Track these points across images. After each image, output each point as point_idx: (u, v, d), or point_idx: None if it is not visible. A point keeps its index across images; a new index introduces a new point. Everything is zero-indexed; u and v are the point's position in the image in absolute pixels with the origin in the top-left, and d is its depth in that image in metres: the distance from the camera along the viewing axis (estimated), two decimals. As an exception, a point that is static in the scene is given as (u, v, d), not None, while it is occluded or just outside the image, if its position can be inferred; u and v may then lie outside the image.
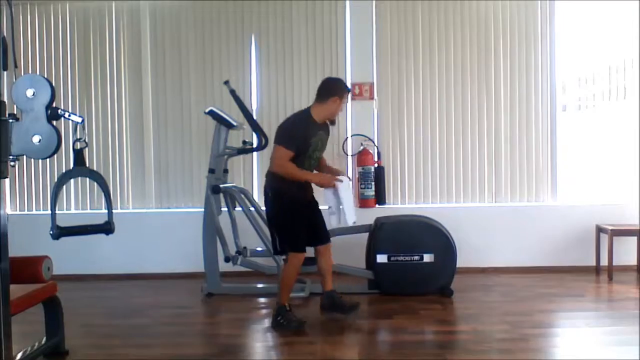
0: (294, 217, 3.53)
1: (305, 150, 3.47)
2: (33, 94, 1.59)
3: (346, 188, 3.59)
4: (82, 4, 5.34)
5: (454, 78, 5.29)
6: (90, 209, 5.34)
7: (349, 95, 3.67)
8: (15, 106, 1.64)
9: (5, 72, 1.57)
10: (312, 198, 3.69)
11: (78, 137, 2.21)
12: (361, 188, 5.13)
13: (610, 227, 4.81)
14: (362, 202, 5.15)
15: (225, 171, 4.57)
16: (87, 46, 5.36)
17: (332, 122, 3.68)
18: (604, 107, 5.45)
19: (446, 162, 5.30)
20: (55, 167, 5.32)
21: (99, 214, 4.79)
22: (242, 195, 4.46)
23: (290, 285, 3.59)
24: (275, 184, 3.52)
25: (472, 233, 5.01)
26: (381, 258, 4.29)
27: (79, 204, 5.35)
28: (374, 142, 5.24)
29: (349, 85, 5.20)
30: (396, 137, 5.31)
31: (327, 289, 3.74)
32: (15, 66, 1.74)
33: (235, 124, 4.42)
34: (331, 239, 4.11)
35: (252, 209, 4.44)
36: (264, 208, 3.81)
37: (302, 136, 3.45)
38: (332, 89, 3.54)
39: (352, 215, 3.60)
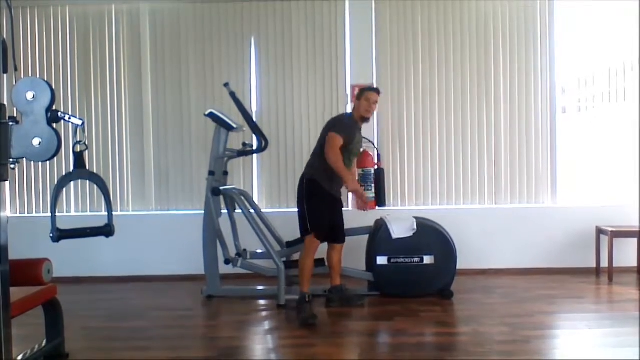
0: (324, 206, 3.93)
1: (348, 143, 3.86)
2: (33, 97, 1.59)
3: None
4: (82, 7, 5.34)
5: (453, 79, 5.29)
6: (90, 211, 5.34)
7: (374, 94, 4.01)
8: (15, 109, 1.64)
9: (5, 75, 1.57)
10: (340, 198, 4.08)
11: (78, 139, 2.21)
12: (361, 190, 5.13)
13: (611, 229, 4.81)
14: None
15: (225, 173, 4.57)
16: (87, 49, 5.37)
17: (366, 120, 4.06)
18: (603, 109, 5.45)
19: (446, 164, 5.30)
20: (55, 169, 5.32)
21: (99, 216, 4.80)
22: (242, 198, 4.46)
23: (307, 272, 3.88)
24: (314, 174, 3.91)
25: (473, 235, 5.02)
26: (381, 260, 4.29)
27: (79, 206, 5.35)
28: (373, 144, 5.24)
29: (348, 87, 5.26)
30: (396, 139, 5.31)
31: (335, 284, 4.14)
32: (16, 69, 1.75)
33: (235, 126, 4.42)
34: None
35: (252, 211, 4.44)
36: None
37: (349, 129, 3.90)
38: (359, 92, 4.08)
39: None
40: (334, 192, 3.97)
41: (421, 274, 4.26)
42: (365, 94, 3.99)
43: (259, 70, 5.32)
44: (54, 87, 1.64)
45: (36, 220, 5.21)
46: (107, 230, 2.26)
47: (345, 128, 3.86)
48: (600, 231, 5.01)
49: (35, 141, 1.55)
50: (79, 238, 2.29)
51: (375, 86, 4.23)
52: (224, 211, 4.50)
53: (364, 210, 4.14)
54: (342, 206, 4.15)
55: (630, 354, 3.01)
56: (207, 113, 4.43)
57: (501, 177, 5.30)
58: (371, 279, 4.36)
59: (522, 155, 5.29)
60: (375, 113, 5.22)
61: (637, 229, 4.82)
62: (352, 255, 4.53)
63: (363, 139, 5.19)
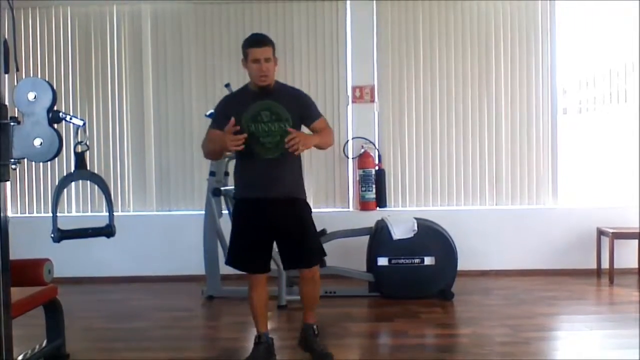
0: (236, 227, 2.93)
1: (238, 124, 2.72)
2: (34, 98, 1.59)
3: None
4: (84, 8, 5.35)
5: (454, 80, 5.29)
6: (91, 211, 5.34)
7: (257, 50, 2.79)
8: (16, 109, 1.64)
9: (6, 75, 1.57)
10: (278, 208, 2.84)
11: (79, 140, 2.21)
12: (362, 191, 5.13)
13: (612, 230, 4.80)
14: (363, 205, 5.16)
15: (226, 174, 4.57)
16: (88, 49, 5.37)
17: (265, 87, 2.83)
18: (604, 110, 5.45)
19: (447, 165, 5.29)
20: (57, 170, 5.33)
21: (100, 216, 4.80)
22: (243, 198, 4.45)
23: (253, 309, 2.97)
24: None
25: (473, 236, 5.00)
26: (382, 261, 4.29)
27: (80, 206, 5.35)
28: (374, 145, 5.24)
29: (349, 88, 5.25)
30: (397, 140, 5.31)
31: (304, 322, 3.09)
32: (17, 69, 1.75)
33: (236, 126, 4.42)
34: (332, 241, 4.08)
35: (252, 211, 4.43)
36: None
37: (223, 111, 2.85)
38: (242, 50, 2.88)
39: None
40: (248, 193, 2.89)
41: (422, 275, 4.25)
42: (248, 53, 2.80)
43: (260, 71, 5.32)
44: (55, 87, 1.64)
45: (37, 220, 5.21)
46: (108, 231, 2.26)
47: (217, 116, 2.89)
48: (601, 232, 5.00)
49: (37, 141, 1.55)
50: (80, 238, 2.29)
51: (256, 33, 2.98)
52: (225, 212, 4.50)
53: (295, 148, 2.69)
54: (291, 213, 2.86)
55: (630, 355, 3.00)
56: (208, 113, 4.43)
57: (502, 178, 5.30)
58: (372, 279, 4.35)
59: (522, 156, 5.28)
60: (376, 115, 5.29)
61: (638, 231, 4.80)
62: (353, 256, 4.53)
63: (364, 140, 5.23)
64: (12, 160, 1.53)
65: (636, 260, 4.96)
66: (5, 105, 1.49)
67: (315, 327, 3.05)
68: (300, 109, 2.87)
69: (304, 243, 2.90)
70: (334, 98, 5.27)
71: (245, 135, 2.69)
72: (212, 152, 2.91)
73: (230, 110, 2.81)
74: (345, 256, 4.41)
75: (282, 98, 2.85)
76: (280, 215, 2.84)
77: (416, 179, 5.30)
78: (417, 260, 4.26)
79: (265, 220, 2.83)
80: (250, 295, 2.96)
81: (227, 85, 4.44)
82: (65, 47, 5.37)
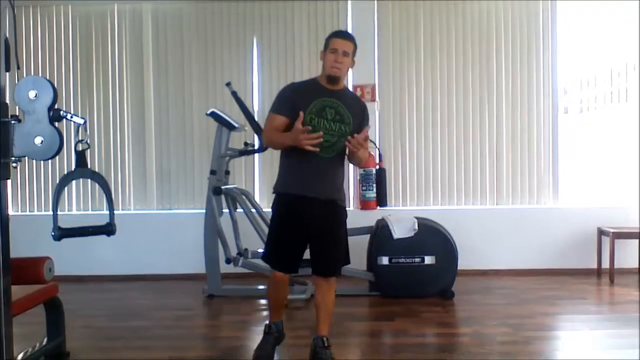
0: (273, 221, 2.92)
1: (298, 115, 2.67)
2: (35, 96, 1.59)
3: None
4: (85, 6, 5.35)
5: (455, 80, 5.29)
6: (92, 210, 5.35)
7: (340, 40, 2.78)
8: (17, 108, 1.64)
9: (7, 74, 1.57)
10: (315, 208, 2.80)
11: (80, 138, 2.21)
12: (362, 190, 5.13)
13: (612, 230, 4.80)
14: (364, 204, 5.15)
15: (227, 173, 4.58)
16: (89, 48, 5.37)
17: (333, 79, 2.78)
18: (605, 110, 5.45)
19: (447, 164, 5.30)
20: (57, 168, 5.33)
21: (101, 215, 4.80)
22: (244, 197, 4.46)
23: (270, 302, 3.13)
24: (275, 182, 2.97)
25: (474, 235, 5.01)
26: (382, 260, 4.29)
27: (80, 205, 5.36)
28: (375, 144, 5.24)
29: (350, 87, 5.24)
30: (398, 139, 5.31)
31: (315, 333, 2.96)
32: (18, 68, 1.75)
33: (236, 125, 4.43)
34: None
35: (253, 210, 4.44)
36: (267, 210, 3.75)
37: (290, 100, 2.76)
38: (325, 42, 2.84)
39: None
40: (289, 188, 2.85)
41: (422, 275, 4.26)
42: (329, 43, 2.78)
43: (261, 70, 5.33)
44: (56, 86, 1.64)
45: (38, 218, 5.21)
46: (108, 229, 2.26)
47: (282, 101, 2.79)
48: (601, 232, 5.00)
49: (37, 140, 1.55)
50: (80, 237, 2.29)
51: (344, 30, 2.95)
52: (226, 210, 4.50)
53: (356, 149, 2.70)
54: (325, 219, 2.82)
55: (631, 355, 3.00)
56: (208, 112, 4.44)
57: (502, 177, 5.30)
58: (372, 279, 4.35)
59: (523, 156, 5.29)
60: (377, 114, 5.29)
61: (639, 230, 4.81)
62: (353, 255, 4.48)
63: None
64: (13, 158, 1.53)
65: (637, 260, 4.97)
66: (6, 104, 1.49)
67: (325, 338, 2.90)
68: (360, 118, 2.87)
69: (329, 250, 2.87)
70: (335, 97, 5.27)
71: (321, 134, 2.66)
72: (277, 145, 2.86)
73: (298, 98, 2.76)
74: (346, 255, 4.39)
75: (348, 103, 2.84)
76: (316, 216, 2.79)
77: (417, 178, 5.30)
78: (417, 260, 4.27)
79: (302, 218, 2.80)
80: (269, 291, 3.02)
81: (228, 84, 4.44)
82: (66, 45, 5.37)
